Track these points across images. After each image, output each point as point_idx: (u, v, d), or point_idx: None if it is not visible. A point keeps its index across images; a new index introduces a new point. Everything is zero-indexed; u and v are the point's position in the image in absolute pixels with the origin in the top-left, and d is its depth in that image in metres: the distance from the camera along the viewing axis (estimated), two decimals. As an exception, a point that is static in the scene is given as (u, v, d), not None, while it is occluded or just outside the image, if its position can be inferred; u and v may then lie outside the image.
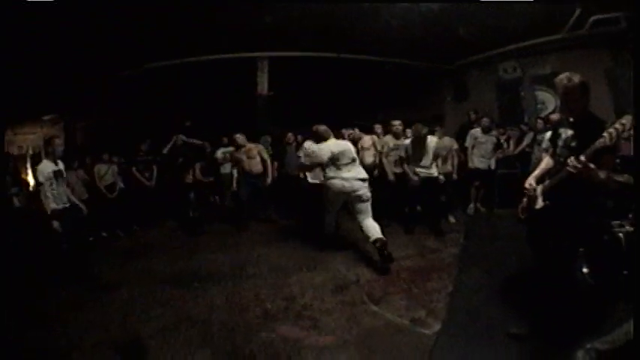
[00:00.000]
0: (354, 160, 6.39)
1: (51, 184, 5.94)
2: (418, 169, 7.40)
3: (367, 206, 6.11)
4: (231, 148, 10.00)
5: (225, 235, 8.21)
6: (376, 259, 5.82)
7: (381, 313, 4.44)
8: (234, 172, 8.98)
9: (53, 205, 5.90)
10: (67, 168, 8.80)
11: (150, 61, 11.14)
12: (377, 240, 5.72)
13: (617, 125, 3.02)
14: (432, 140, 7.49)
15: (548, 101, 10.57)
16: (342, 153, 6.30)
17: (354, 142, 8.53)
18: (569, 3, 8.00)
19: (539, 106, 10.86)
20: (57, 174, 6.06)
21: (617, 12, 7.92)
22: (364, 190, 6.14)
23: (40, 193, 5.96)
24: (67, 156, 9.05)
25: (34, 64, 9.11)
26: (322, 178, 6.77)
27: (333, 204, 6.49)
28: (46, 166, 6.01)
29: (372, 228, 5.90)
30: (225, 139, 10.68)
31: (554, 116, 7.00)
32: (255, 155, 8.67)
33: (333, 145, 6.48)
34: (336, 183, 6.12)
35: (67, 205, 6.18)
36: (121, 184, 9.17)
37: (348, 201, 6.26)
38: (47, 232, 5.92)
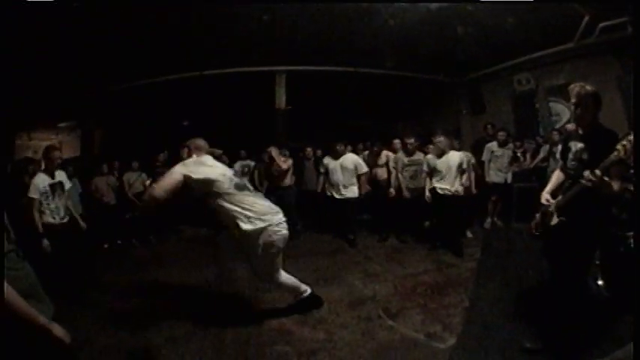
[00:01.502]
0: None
1: (46, 198, 5.65)
2: (440, 185, 7.34)
3: None
4: (248, 162, 10.17)
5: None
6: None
7: (396, 327, 4.44)
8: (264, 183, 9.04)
9: (50, 220, 5.66)
10: (96, 174, 8.91)
11: (168, 72, 11.25)
12: None
13: (630, 137, 3.02)
14: (455, 155, 7.44)
15: (563, 112, 10.45)
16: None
17: (372, 156, 8.65)
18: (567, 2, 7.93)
19: (553, 117, 10.76)
20: (54, 187, 5.78)
21: (621, 17, 7.82)
22: None
23: (31, 207, 5.54)
24: (88, 163, 9.15)
25: (52, 69, 9.22)
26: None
27: None
28: (41, 180, 5.67)
29: None
30: (244, 153, 10.75)
31: (570, 126, 6.95)
32: (287, 169, 8.68)
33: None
34: None
35: (65, 220, 5.89)
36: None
37: None
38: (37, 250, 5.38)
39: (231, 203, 4.30)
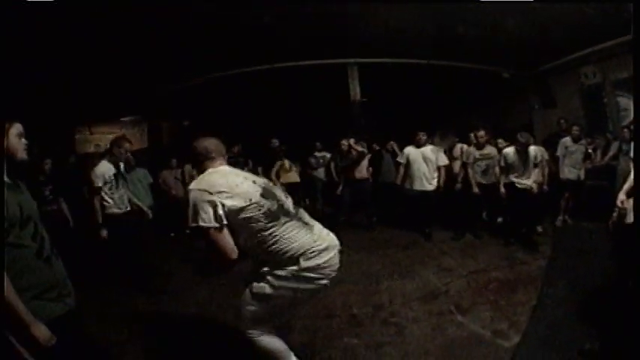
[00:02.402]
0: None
1: (110, 188, 5.65)
2: (518, 180, 7.37)
3: None
4: (324, 153, 10.47)
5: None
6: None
7: (466, 323, 4.53)
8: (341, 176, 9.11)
9: (115, 210, 5.69)
10: (164, 167, 9.33)
11: (240, 66, 11.57)
12: None
13: None
14: (533, 150, 7.42)
15: (630, 108, 9.90)
16: None
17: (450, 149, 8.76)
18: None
19: (621, 113, 10.44)
20: (118, 177, 5.80)
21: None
22: None
23: (93, 198, 5.59)
24: (156, 157, 9.44)
25: (116, 64, 9.62)
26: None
27: None
28: (106, 168, 5.66)
29: None
30: (319, 144, 11.00)
31: None
32: (363, 161, 8.82)
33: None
34: None
35: (129, 209, 5.94)
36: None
37: None
38: (95, 241, 5.64)
39: None
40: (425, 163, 8.14)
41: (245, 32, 9.10)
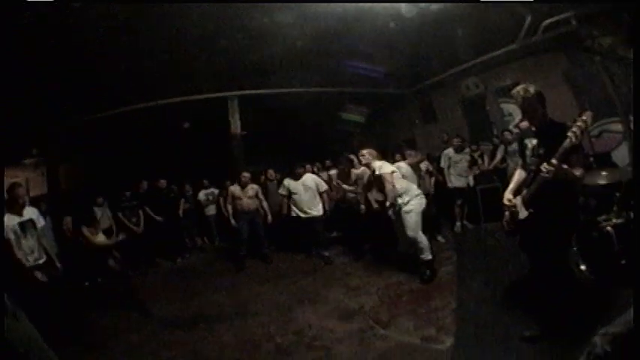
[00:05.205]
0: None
1: (18, 238, 5.22)
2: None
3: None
4: (212, 190, 10.33)
5: (221, 275, 8.21)
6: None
7: (391, 335, 4.50)
8: (229, 208, 8.86)
9: (26, 262, 5.21)
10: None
11: (126, 103, 11.10)
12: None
13: (579, 123, 3.27)
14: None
15: (515, 112, 10.50)
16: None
17: (343, 176, 8.76)
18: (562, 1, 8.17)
19: (506, 118, 10.98)
20: (24, 226, 5.35)
21: (564, 13, 8.06)
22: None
23: (9, 248, 5.09)
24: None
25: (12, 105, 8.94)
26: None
27: None
28: (9, 220, 5.20)
29: None
30: (206, 182, 10.83)
31: (525, 124, 7.23)
32: (253, 195, 8.77)
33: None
34: None
35: (41, 260, 5.43)
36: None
37: None
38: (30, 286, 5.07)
39: None
40: (305, 192, 8.27)
41: (121, 70, 8.81)
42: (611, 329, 2.74)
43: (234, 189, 8.81)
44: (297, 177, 8.35)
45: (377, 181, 6.78)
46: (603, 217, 4.65)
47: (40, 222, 5.73)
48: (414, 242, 6.19)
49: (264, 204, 8.91)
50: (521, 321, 4.01)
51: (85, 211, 8.61)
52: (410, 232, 6.17)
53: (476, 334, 4.14)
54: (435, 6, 7.62)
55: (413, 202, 6.32)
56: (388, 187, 6.36)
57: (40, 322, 5.19)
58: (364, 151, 6.95)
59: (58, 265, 5.73)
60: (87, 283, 8.13)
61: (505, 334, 3.92)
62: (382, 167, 6.63)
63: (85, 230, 7.83)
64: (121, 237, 8.69)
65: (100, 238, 7.98)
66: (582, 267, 4.61)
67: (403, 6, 7.51)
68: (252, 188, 8.84)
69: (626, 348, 2.49)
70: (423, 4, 7.53)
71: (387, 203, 6.38)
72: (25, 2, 5.80)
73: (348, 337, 4.65)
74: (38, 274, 5.26)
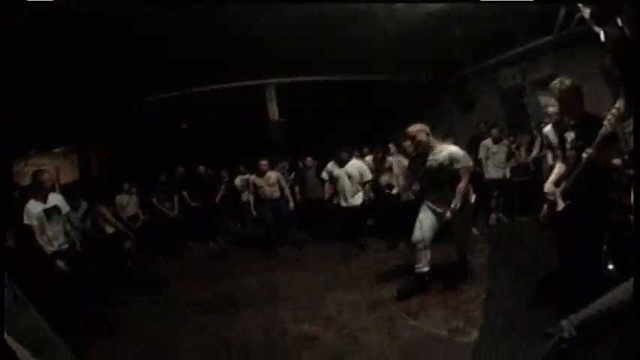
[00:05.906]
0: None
1: (42, 224, 5.49)
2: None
3: None
4: (248, 176, 10.20)
5: (252, 259, 8.30)
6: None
7: (420, 326, 4.48)
8: (251, 198, 8.91)
9: (49, 248, 5.48)
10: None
11: (163, 91, 11.23)
12: None
13: (612, 111, 3.26)
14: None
15: (552, 104, 10.32)
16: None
17: (377, 162, 8.95)
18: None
19: (543, 110, 10.76)
20: (49, 212, 5.61)
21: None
22: None
23: (32, 234, 5.39)
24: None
25: (44, 96, 9.14)
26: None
27: None
28: (33, 207, 5.49)
29: None
30: (242, 168, 10.89)
31: (552, 109, 7.05)
32: (274, 182, 8.74)
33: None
34: None
35: (65, 246, 5.72)
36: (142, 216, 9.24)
37: None
38: (49, 274, 5.37)
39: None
40: (348, 180, 8.18)
41: (160, 58, 8.88)
42: (580, 315, 2.78)
43: (255, 178, 8.82)
44: (342, 163, 8.27)
45: (439, 171, 5.41)
46: (632, 217, 4.57)
47: (65, 208, 5.93)
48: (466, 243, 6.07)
49: (287, 191, 8.92)
50: (548, 317, 3.88)
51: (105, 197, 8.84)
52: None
53: (502, 327, 4.11)
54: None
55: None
56: (462, 184, 5.28)
57: (58, 311, 5.45)
58: (414, 128, 5.65)
59: (79, 248, 5.96)
60: (129, 264, 8.39)
61: (531, 328, 3.86)
62: (456, 157, 5.36)
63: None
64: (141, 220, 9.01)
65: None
66: (610, 267, 4.54)
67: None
68: (274, 176, 8.83)
69: (592, 333, 2.51)
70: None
71: (453, 204, 5.21)
72: (25, 2, 5.87)
73: (377, 326, 4.64)
74: (60, 264, 5.44)
